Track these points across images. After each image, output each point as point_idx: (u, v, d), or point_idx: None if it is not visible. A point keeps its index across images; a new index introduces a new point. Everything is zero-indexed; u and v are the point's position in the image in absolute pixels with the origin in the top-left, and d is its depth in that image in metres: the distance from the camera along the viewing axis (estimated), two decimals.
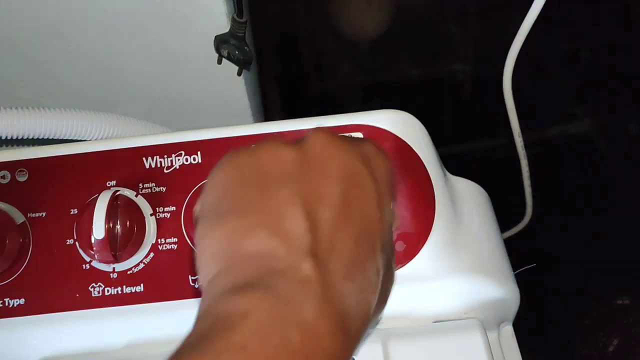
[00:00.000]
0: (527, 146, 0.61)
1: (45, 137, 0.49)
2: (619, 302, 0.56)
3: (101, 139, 0.51)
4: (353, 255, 0.28)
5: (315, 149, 0.30)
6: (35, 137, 0.49)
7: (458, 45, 0.68)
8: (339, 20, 0.64)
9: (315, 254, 0.27)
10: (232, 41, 0.53)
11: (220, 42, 0.54)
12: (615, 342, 0.55)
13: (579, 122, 0.64)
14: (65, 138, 0.50)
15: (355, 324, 0.28)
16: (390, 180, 0.32)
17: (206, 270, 0.29)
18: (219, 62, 0.54)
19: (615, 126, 0.56)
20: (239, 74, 0.56)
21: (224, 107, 0.61)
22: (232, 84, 0.59)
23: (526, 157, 0.62)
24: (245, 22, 0.53)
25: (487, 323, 0.47)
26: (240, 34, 0.53)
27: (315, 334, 0.25)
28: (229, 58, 0.53)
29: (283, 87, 0.67)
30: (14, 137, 0.48)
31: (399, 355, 0.43)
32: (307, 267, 0.27)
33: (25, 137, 0.48)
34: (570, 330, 0.57)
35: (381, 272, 0.30)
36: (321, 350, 0.25)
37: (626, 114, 0.55)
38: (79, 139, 0.50)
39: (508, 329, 0.52)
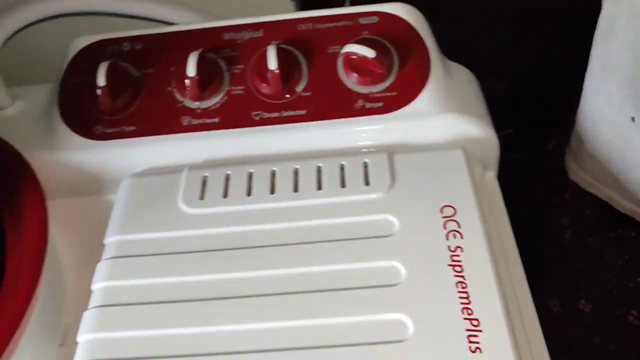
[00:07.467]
0: None
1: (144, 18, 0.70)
2: None
3: (185, 23, 0.72)
4: None
5: None
6: (139, 17, 0.70)
7: None
8: None
9: None
10: None
11: None
12: None
13: None
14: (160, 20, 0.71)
15: None
16: None
17: None
18: None
19: None
20: None
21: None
22: None
23: None
24: None
25: (471, 157, 0.62)
26: None
27: None
28: None
29: None
30: (133, 15, 0.69)
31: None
32: None
33: (135, 16, 0.70)
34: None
35: None
36: None
37: None
38: (168, 22, 0.71)
39: (491, 175, 0.67)
